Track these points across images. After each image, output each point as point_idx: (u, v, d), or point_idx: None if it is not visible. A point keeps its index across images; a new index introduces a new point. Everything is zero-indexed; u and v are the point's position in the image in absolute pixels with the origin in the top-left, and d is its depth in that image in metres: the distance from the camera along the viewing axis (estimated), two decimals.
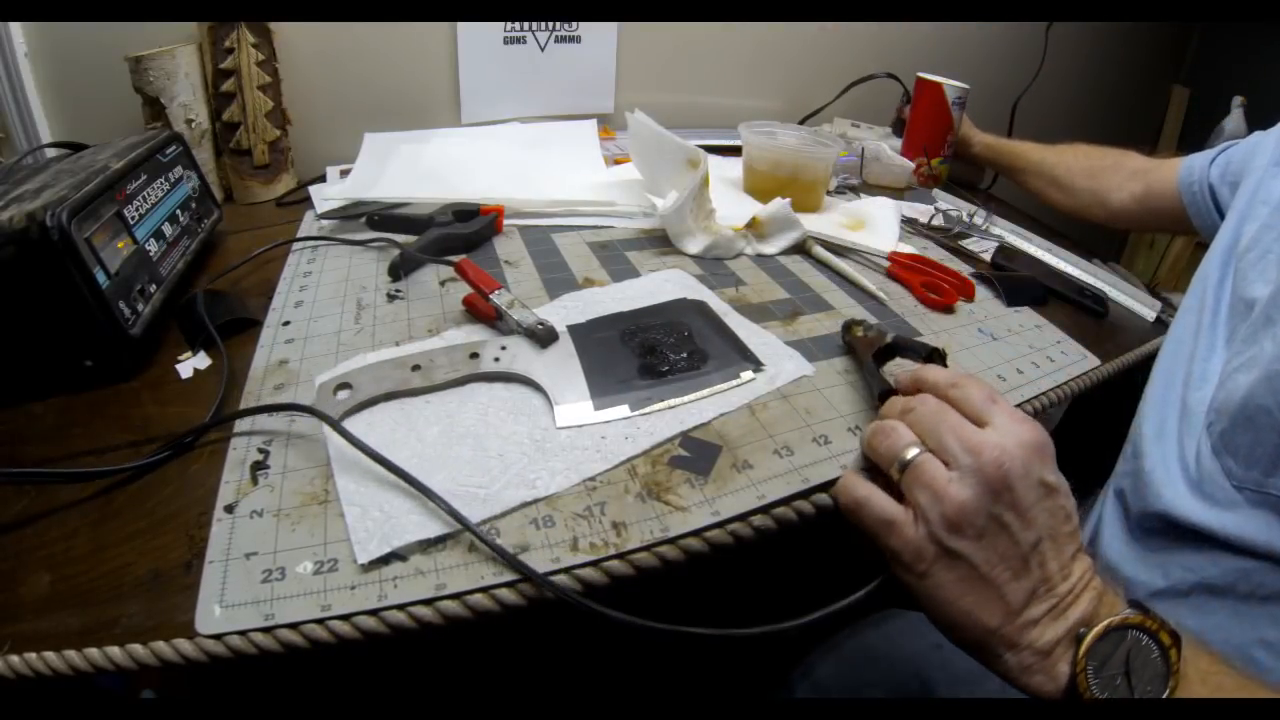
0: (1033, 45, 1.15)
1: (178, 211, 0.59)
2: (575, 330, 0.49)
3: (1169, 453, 0.41)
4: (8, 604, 0.30)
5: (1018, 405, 0.48)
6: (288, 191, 0.82)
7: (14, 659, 0.28)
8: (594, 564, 0.33)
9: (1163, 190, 0.65)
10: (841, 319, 0.52)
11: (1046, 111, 1.21)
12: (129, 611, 0.30)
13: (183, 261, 0.57)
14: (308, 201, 0.77)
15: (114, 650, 0.28)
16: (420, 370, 0.44)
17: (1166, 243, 1.40)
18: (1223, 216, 0.52)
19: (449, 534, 0.33)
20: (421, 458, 0.38)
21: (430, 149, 0.83)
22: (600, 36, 0.98)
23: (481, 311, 0.51)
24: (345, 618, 0.30)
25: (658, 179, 0.72)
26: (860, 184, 0.92)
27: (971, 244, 0.74)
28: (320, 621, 0.30)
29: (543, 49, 0.96)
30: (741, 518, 0.36)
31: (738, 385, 0.45)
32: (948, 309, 0.58)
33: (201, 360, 0.48)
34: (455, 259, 0.53)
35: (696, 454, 0.40)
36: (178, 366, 0.47)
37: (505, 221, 0.69)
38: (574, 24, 0.96)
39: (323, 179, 0.82)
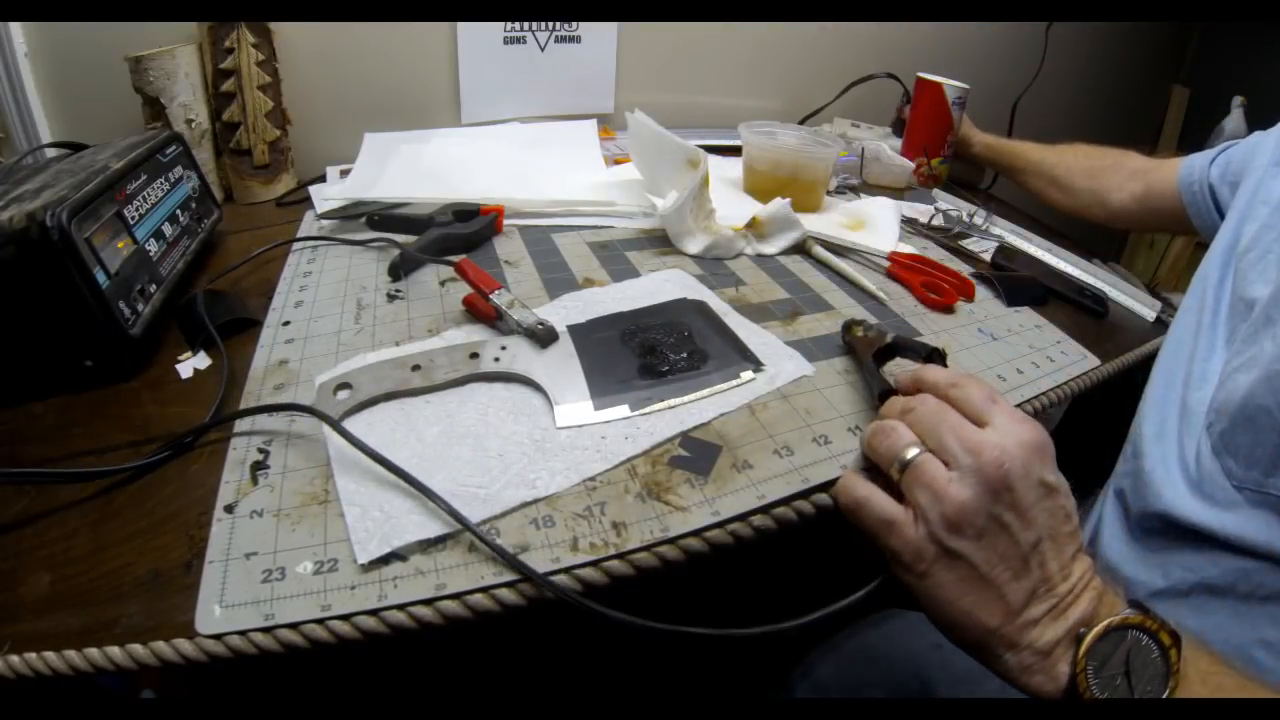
0: (1033, 45, 1.15)
1: (178, 211, 0.59)
2: (575, 330, 0.49)
3: (1169, 453, 0.41)
4: (8, 604, 0.30)
5: (1018, 405, 0.48)
6: (288, 191, 0.82)
7: (14, 659, 0.28)
8: (594, 564, 0.33)
9: (1163, 190, 0.65)
10: (841, 319, 0.52)
11: (1046, 111, 1.21)
12: (129, 611, 0.30)
13: (183, 261, 0.57)
14: (308, 201, 0.77)
15: (114, 650, 0.28)
16: (420, 370, 0.44)
17: (1166, 243, 1.40)
18: (1223, 216, 0.52)
19: (449, 534, 0.33)
20: (421, 458, 0.38)
21: (430, 149, 0.83)
22: (600, 36, 0.98)
23: (481, 311, 0.51)
24: (345, 618, 0.30)
25: (658, 179, 0.71)
26: (860, 184, 0.92)
27: (971, 244, 0.74)
28: (320, 621, 0.30)
29: (543, 49, 0.96)
30: (741, 518, 0.36)
31: (738, 385, 0.45)
32: (948, 309, 0.58)
33: (201, 360, 0.48)
34: (455, 259, 0.53)
35: (696, 454, 0.40)
36: (178, 366, 0.47)
37: (505, 221, 0.69)
38: (574, 24, 0.96)
39: (323, 179, 0.82)
